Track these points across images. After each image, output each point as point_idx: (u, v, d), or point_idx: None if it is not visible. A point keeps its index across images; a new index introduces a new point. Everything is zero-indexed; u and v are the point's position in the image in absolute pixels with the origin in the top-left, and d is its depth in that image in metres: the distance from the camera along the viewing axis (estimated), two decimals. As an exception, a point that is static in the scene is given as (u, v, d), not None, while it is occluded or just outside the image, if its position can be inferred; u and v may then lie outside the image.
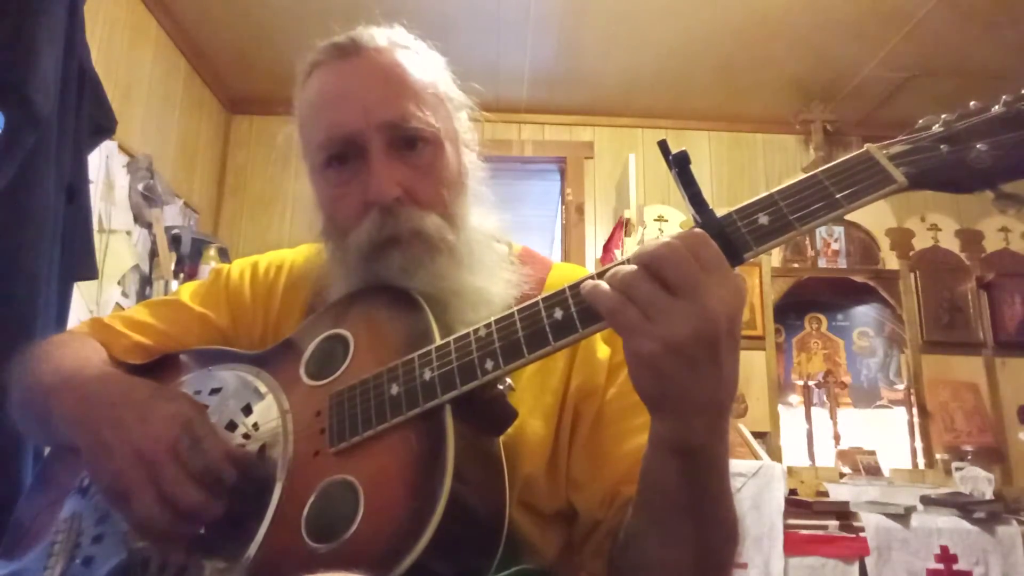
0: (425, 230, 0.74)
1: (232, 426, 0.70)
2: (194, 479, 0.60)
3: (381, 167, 0.73)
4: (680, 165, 0.53)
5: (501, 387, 0.63)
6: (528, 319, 0.58)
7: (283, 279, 0.90)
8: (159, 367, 0.83)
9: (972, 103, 0.55)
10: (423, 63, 0.81)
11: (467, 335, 0.61)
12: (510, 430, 0.65)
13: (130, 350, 0.84)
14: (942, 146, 0.54)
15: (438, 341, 0.64)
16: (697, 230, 0.52)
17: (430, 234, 0.74)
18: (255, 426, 0.69)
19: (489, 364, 0.58)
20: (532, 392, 0.76)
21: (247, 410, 0.71)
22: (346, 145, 0.75)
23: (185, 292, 0.91)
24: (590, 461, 0.75)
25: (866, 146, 0.55)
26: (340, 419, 0.64)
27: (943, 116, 0.55)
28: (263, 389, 0.72)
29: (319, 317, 0.77)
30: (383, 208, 0.73)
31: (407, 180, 0.74)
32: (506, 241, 0.86)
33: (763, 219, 0.54)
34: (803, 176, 0.55)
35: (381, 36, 0.80)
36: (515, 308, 0.60)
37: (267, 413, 0.69)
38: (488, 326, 0.60)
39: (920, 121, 0.56)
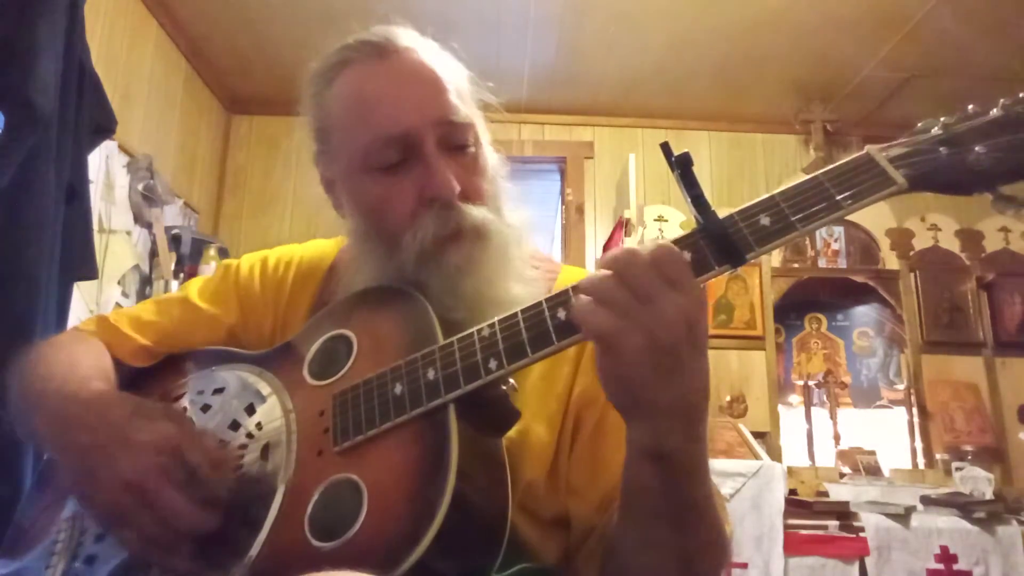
0: (485, 224, 0.74)
1: (235, 426, 0.70)
2: (190, 499, 0.60)
3: (440, 163, 0.73)
4: (683, 167, 0.54)
5: (504, 387, 0.63)
6: (532, 319, 0.58)
7: (292, 274, 0.90)
8: (163, 368, 0.83)
9: (971, 106, 0.56)
10: (446, 61, 0.80)
11: (471, 335, 0.61)
12: (514, 435, 0.65)
13: (135, 353, 0.84)
14: (941, 148, 0.54)
15: (441, 341, 0.64)
16: (664, 242, 0.53)
17: (488, 228, 0.74)
18: (258, 426, 0.69)
19: (493, 364, 0.59)
20: (537, 398, 0.76)
21: (250, 410, 0.71)
22: (400, 143, 0.74)
23: (193, 288, 0.90)
24: (589, 468, 0.74)
25: (866, 148, 0.56)
26: (344, 418, 0.64)
27: (942, 119, 0.56)
28: (266, 389, 0.72)
29: (322, 317, 0.78)
30: (444, 204, 0.72)
31: (458, 176, 0.74)
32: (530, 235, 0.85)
33: (765, 220, 0.54)
34: (804, 178, 0.56)
35: (404, 35, 0.79)
36: (518, 308, 0.60)
37: (270, 413, 0.70)
38: (492, 326, 0.61)
39: (919, 124, 0.57)
